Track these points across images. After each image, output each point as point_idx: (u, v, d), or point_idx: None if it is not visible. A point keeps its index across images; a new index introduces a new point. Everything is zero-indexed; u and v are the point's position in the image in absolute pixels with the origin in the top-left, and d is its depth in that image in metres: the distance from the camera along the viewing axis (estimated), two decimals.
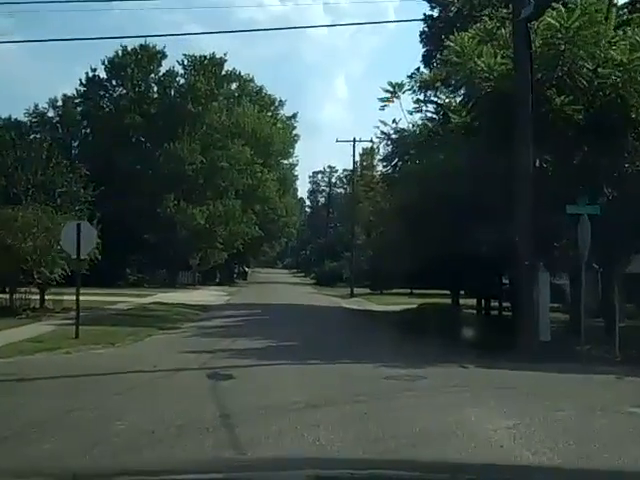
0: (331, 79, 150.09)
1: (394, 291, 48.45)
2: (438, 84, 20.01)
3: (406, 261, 30.99)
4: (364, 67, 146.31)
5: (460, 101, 19.54)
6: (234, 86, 62.05)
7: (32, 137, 43.48)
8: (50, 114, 56.92)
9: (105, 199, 48.75)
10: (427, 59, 37.02)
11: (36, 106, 56.45)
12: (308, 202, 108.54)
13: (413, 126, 25.09)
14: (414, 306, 33.27)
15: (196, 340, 17.67)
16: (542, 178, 15.40)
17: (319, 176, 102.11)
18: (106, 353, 14.99)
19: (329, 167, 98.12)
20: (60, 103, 56.25)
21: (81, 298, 31.80)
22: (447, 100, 20.68)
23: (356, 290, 48.53)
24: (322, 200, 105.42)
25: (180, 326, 22.17)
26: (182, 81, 55.77)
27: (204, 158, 53.34)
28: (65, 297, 24.60)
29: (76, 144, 56.64)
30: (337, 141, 56.12)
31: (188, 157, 52.23)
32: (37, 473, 3.82)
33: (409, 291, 47.43)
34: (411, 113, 24.70)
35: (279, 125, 66.16)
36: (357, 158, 52.11)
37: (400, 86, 25.03)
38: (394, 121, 24.35)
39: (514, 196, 15.44)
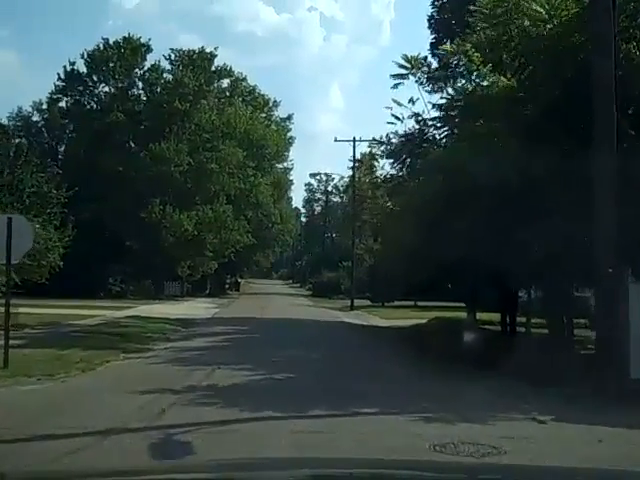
0: (327, 89, 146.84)
1: (396, 303, 44.76)
2: (468, 49, 16.00)
3: (417, 269, 27.27)
4: (359, 77, 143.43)
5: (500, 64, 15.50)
6: (225, 83, 57.98)
7: None
8: (35, 118, 53.13)
9: (85, 203, 45.15)
10: (436, 46, 33.23)
11: (20, 109, 52.54)
12: (303, 211, 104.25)
13: (433, 106, 21.28)
14: (424, 321, 29.54)
15: (164, 370, 13.65)
16: (623, 159, 11.48)
17: (315, 184, 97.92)
18: (34, 392, 10.96)
19: (325, 174, 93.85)
20: (45, 106, 52.25)
21: (49, 311, 27.94)
22: (479, 69, 16.70)
23: (355, 302, 44.74)
24: (318, 209, 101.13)
25: (152, 347, 18.16)
26: (169, 77, 51.75)
27: (192, 160, 49.42)
28: (22, 310, 20.61)
29: (62, 149, 52.78)
30: (336, 140, 51.51)
31: (175, 158, 48.33)
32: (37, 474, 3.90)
33: (412, 303, 43.78)
34: (431, 92, 20.87)
35: (273, 127, 62.19)
36: (356, 166, 48.04)
37: (417, 60, 21.24)
38: (411, 101, 20.47)
39: (593, 185, 11.47)
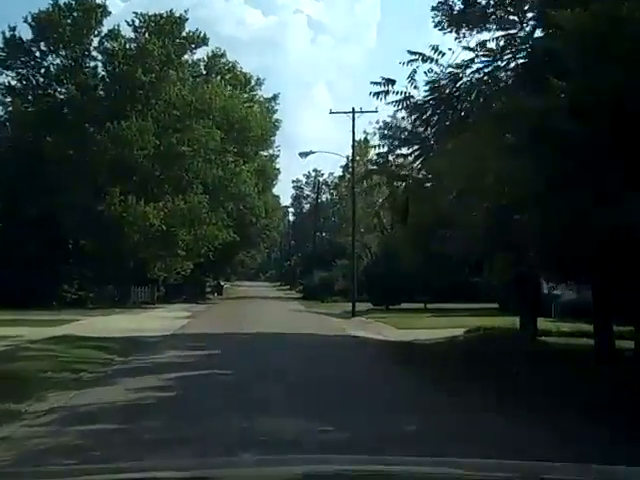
0: (314, 91, 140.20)
1: (403, 306, 36.99)
2: None
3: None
4: (347, 80, 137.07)
5: None
6: (199, 54, 49.45)
7: None
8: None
9: (32, 196, 37.52)
10: None
11: None
12: (292, 209, 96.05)
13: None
14: (458, 331, 21.86)
15: None
16: None
17: (303, 180, 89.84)
18: None
19: (314, 170, 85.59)
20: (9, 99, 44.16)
21: None
22: None
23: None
24: (307, 207, 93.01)
25: (26, 409, 10.17)
26: (131, 46, 43.47)
27: (160, 142, 41.40)
28: None
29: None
30: (331, 112, 42.78)
31: (139, 140, 40.34)
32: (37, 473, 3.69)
33: (422, 306, 36.36)
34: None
35: (256, 107, 53.89)
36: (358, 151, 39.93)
37: None
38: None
39: None
